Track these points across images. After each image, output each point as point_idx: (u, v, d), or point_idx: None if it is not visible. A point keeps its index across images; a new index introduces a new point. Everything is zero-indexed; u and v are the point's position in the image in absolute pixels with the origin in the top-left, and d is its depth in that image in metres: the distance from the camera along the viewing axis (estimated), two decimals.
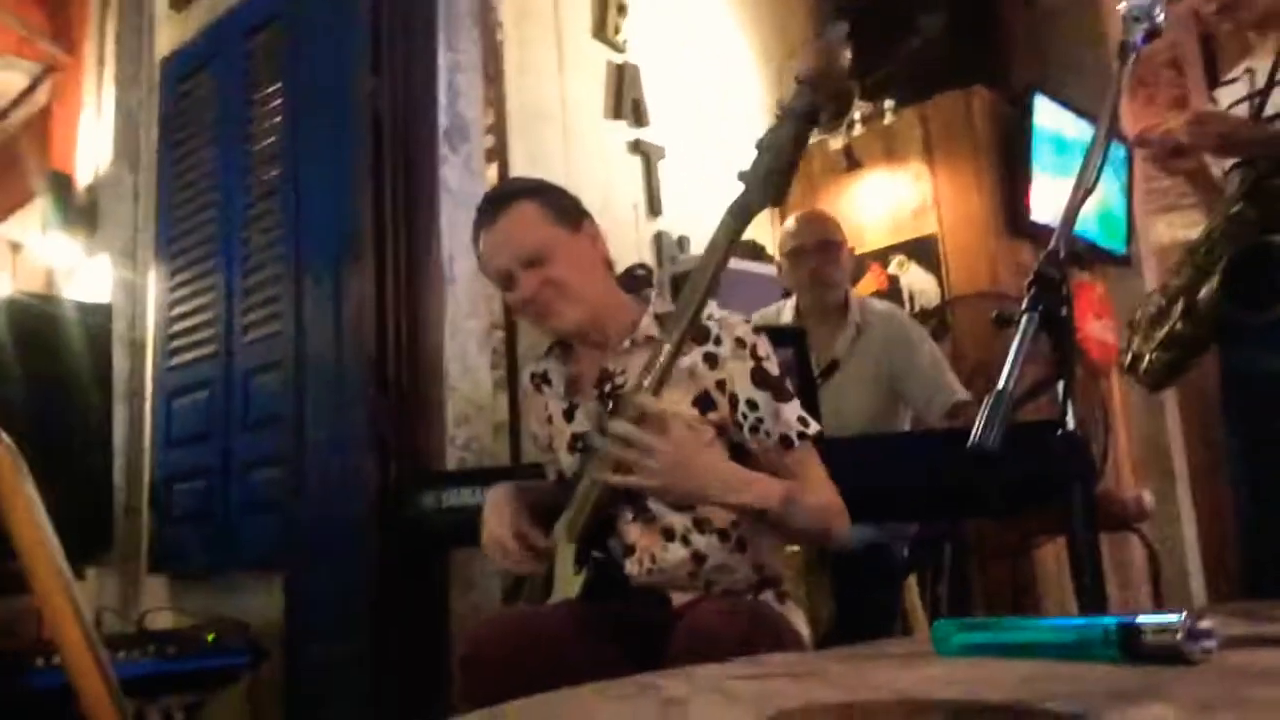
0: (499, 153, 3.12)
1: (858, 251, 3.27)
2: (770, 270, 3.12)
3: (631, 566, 1.65)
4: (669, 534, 1.64)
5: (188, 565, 3.41)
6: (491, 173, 3.09)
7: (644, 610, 1.61)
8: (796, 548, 2.15)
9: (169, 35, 3.94)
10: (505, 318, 2.99)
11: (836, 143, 4.01)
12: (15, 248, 5.53)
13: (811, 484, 1.60)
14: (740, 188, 1.50)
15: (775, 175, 1.44)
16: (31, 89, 4.49)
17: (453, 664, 1.55)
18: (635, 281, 2.99)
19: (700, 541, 1.64)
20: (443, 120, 2.92)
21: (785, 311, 2.89)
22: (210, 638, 2.65)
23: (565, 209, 1.71)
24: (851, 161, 4.01)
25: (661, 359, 1.52)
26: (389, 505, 2.67)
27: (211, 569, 3.31)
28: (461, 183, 2.91)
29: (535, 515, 1.73)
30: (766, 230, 3.75)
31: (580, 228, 1.71)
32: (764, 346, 1.66)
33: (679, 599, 1.62)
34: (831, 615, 2.18)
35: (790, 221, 2.92)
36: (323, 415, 2.87)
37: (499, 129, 3.14)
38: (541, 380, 1.83)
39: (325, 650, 2.70)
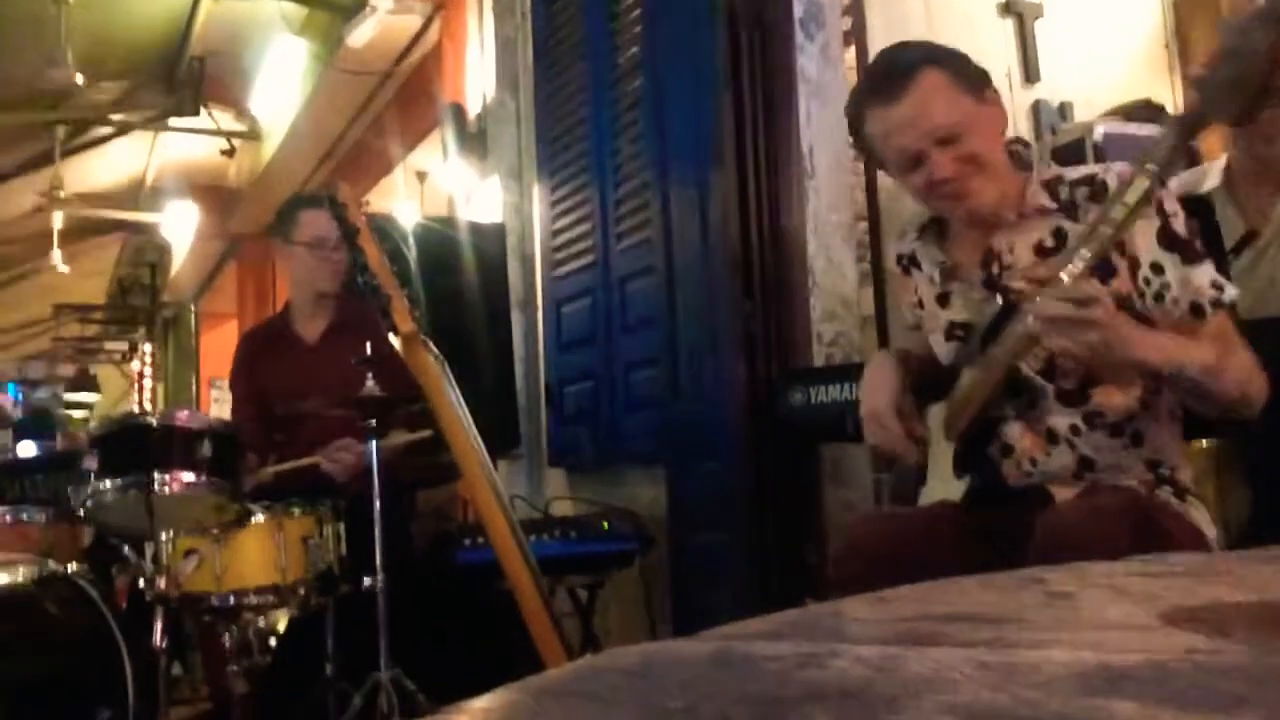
0: (857, 34, 3.00)
1: None
2: None
3: (1008, 468, 1.55)
4: (1053, 436, 1.53)
5: (580, 459, 3.70)
6: (850, 56, 2.98)
7: (1026, 514, 1.53)
8: (1205, 441, 1.94)
9: None
10: (869, 209, 2.91)
11: None
12: (421, 176, 6.19)
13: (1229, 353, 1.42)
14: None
15: (1242, 89, 1.18)
16: (425, 28, 4.93)
17: (827, 558, 1.56)
18: (1011, 158, 2.78)
19: (1086, 444, 1.51)
20: (798, 7, 2.85)
21: (1211, 174, 2.53)
22: (605, 525, 2.86)
23: (971, 75, 1.55)
24: None
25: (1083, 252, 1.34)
26: (760, 402, 2.72)
27: (601, 463, 3.58)
28: (819, 71, 2.84)
29: (914, 389, 1.66)
30: (1165, 86, 3.33)
31: (984, 95, 1.55)
32: (1171, 202, 1.46)
33: (1062, 495, 1.52)
34: (1247, 516, 1.95)
35: None
36: (693, 317, 2.97)
37: (856, 8, 3.02)
38: (910, 262, 1.73)
39: (706, 539, 2.84)
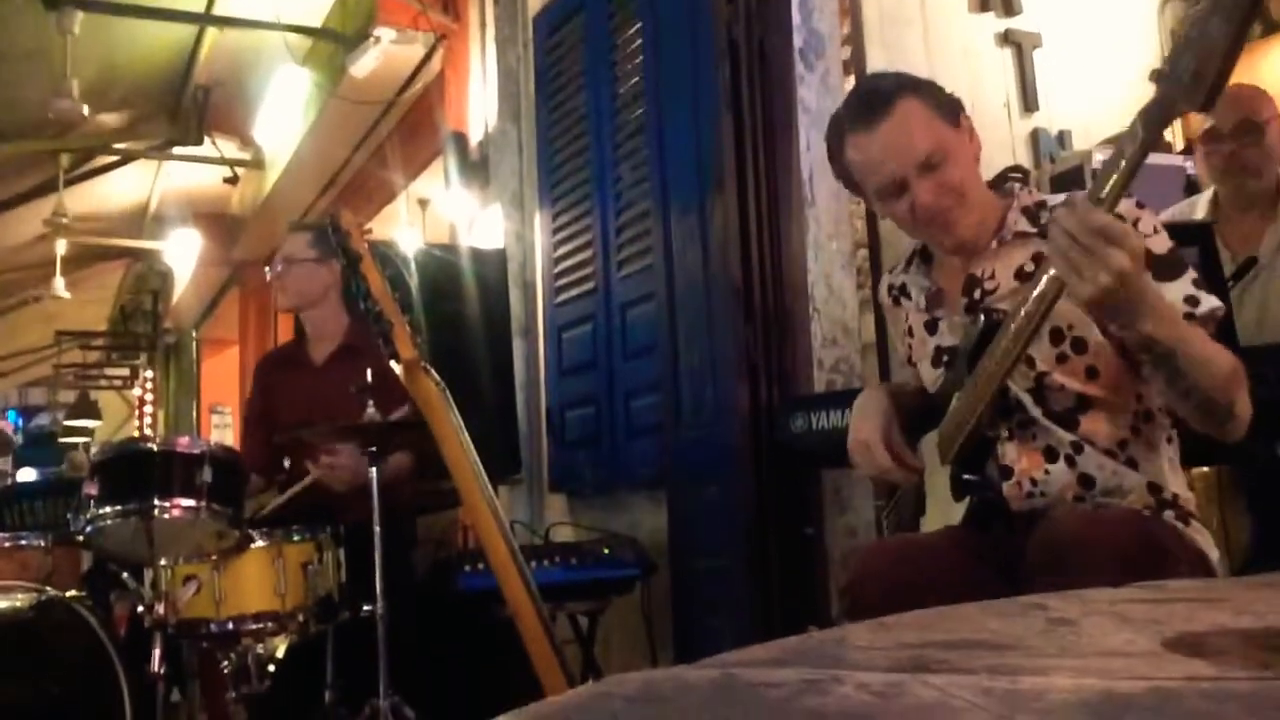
0: (856, 64, 3.03)
1: None
2: (1172, 160, 2.79)
3: (1010, 490, 1.54)
4: (1051, 454, 1.52)
5: (581, 485, 3.70)
6: (849, 86, 3.01)
7: (1028, 539, 1.52)
8: (1206, 468, 1.94)
9: None
10: (868, 236, 2.92)
11: None
12: (423, 204, 6.21)
13: None
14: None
15: (1205, 78, 1.17)
16: (427, 58, 4.97)
17: (831, 585, 1.56)
18: (995, 185, 2.79)
19: (1086, 461, 1.50)
20: (798, 38, 2.88)
21: (1200, 205, 2.56)
22: (606, 550, 2.86)
23: (946, 103, 1.57)
24: (1269, 25, 3.47)
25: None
26: (761, 428, 2.72)
27: (602, 488, 3.57)
28: (819, 100, 2.86)
29: (905, 421, 1.66)
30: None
31: (960, 122, 1.57)
32: (1148, 222, 1.47)
33: None
34: (1250, 541, 1.95)
35: None
36: (695, 343, 2.97)
37: (855, 39, 3.04)
38: (900, 293, 1.75)
39: (707, 565, 2.83)
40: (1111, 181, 1.28)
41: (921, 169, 1.51)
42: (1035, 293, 1.38)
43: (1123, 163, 1.28)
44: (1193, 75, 1.18)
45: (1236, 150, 2.43)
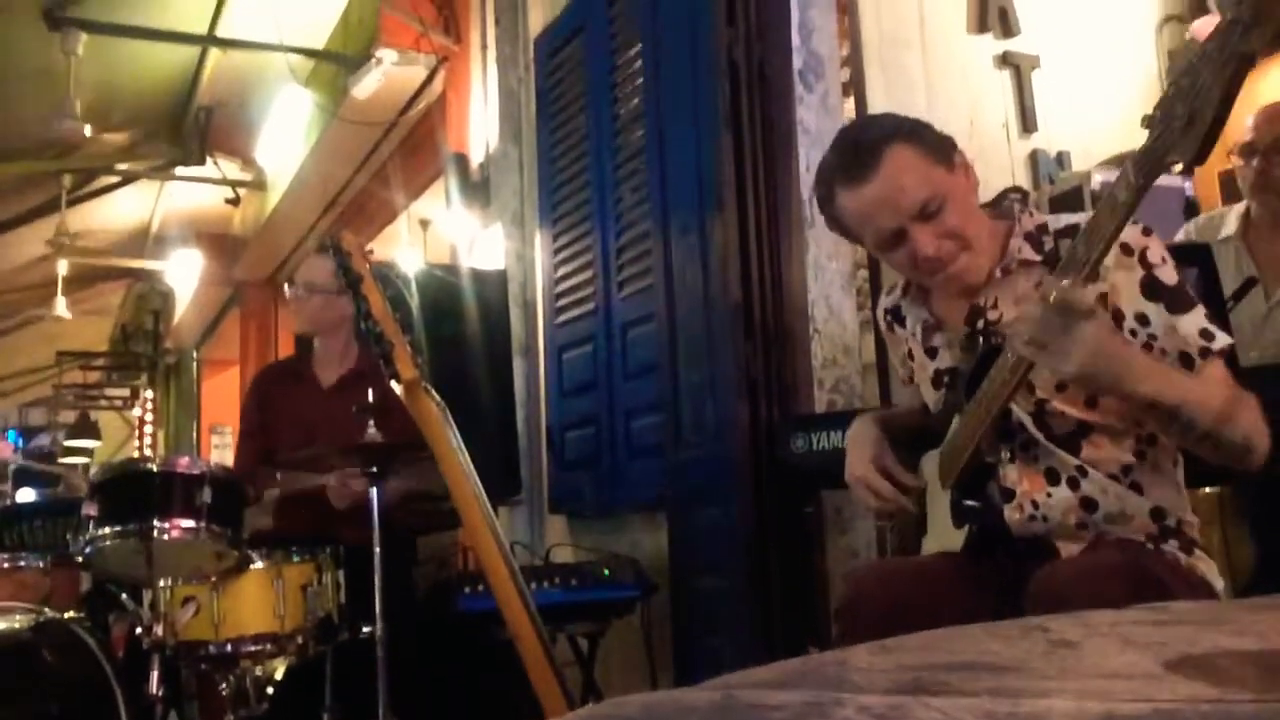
0: (855, 85, 3.05)
1: None
2: (1171, 182, 2.79)
3: (1011, 513, 1.51)
4: (1053, 476, 1.49)
5: (582, 505, 3.69)
6: (848, 107, 3.02)
7: (1031, 565, 1.50)
8: (1209, 489, 1.93)
9: (540, 14, 4.22)
10: (869, 257, 2.93)
11: None
12: (425, 224, 6.23)
13: None
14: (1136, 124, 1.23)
15: (1197, 130, 1.14)
16: (429, 80, 4.99)
17: (830, 608, 1.55)
18: (994, 206, 2.81)
19: (1089, 485, 1.47)
20: (797, 60, 2.89)
21: (1230, 220, 2.55)
22: (606, 571, 2.85)
23: (937, 145, 1.50)
24: None
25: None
26: (761, 448, 2.72)
27: (602, 509, 3.56)
28: (818, 121, 2.88)
29: (899, 446, 1.64)
30: None
31: (954, 162, 1.51)
32: (1156, 251, 1.43)
33: (1067, 550, 1.48)
34: (1253, 563, 1.94)
35: (1250, 116, 2.51)
36: (695, 363, 2.97)
37: (855, 60, 3.06)
38: (894, 319, 1.73)
39: (708, 585, 2.82)
40: (1100, 242, 1.27)
41: (918, 218, 1.46)
42: None
43: (1112, 215, 1.26)
44: (1185, 125, 1.15)
45: (1266, 168, 2.43)
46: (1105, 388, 1.35)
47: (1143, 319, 1.43)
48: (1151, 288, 1.42)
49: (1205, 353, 1.40)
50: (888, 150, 1.47)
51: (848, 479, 1.65)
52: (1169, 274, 1.43)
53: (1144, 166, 1.21)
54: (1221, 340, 1.41)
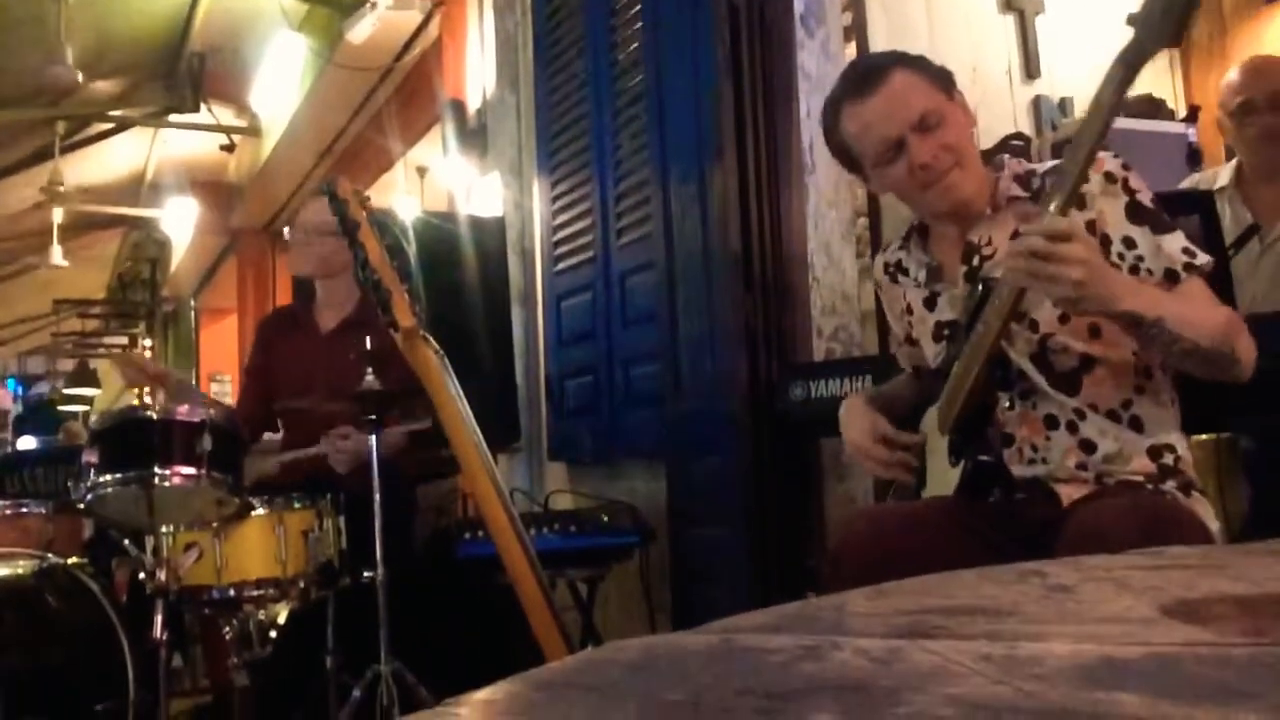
0: (857, 30, 3.00)
1: None
2: (1174, 128, 2.77)
3: (1011, 458, 1.55)
4: (1052, 422, 1.53)
5: (580, 453, 3.70)
6: (850, 52, 2.98)
7: (1028, 507, 1.52)
8: (1205, 435, 1.94)
9: None
10: (868, 204, 2.91)
11: None
12: (421, 171, 6.19)
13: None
14: (1129, 34, 1.32)
15: (1173, 12, 1.24)
16: (425, 24, 4.92)
17: (822, 557, 1.57)
18: (984, 157, 2.79)
19: (1088, 427, 1.51)
20: (798, 4, 2.85)
21: (1223, 174, 2.56)
22: (605, 518, 2.86)
23: (940, 75, 1.62)
24: None
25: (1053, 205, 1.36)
26: (760, 397, 2.72)
27: (601, 457, 3.58)
28: (819, 67, 2.84)
29: (892, 418, 1.69)
30: (1166, 81, 3.33)
31: (954, 95, 1.61)
32: (1136, 179, 1.51)
33: (1068, 493, 1.51)
34: (1247, 510, 1.96)
35: (1233, 73, 2.54)
36: (694, 312, 2.97)
37: (856, 5, 3.01)
38: (896, 269, 1.75)
39: (706, 533, 2.84)
40: (1088, 142, 1.33)
41: (918, 128, 1.54)
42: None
43: (1099, 117, 1.33)
44: (1161, 12, 1.25)
45: (1273, 121, 2.42)
46: (1095, 308, 1.39)
47: (1129, 242, 1.49)
48: (1136, 211, 1.49)
49: (1189, 268, 1.47)
50: (892, 72, 1.57)
51: (848, 453, 1.73)
52: (1148, 199, 1.51)
53: (1126, 57, 1.30)
54: (1202, 258, 1.48)
